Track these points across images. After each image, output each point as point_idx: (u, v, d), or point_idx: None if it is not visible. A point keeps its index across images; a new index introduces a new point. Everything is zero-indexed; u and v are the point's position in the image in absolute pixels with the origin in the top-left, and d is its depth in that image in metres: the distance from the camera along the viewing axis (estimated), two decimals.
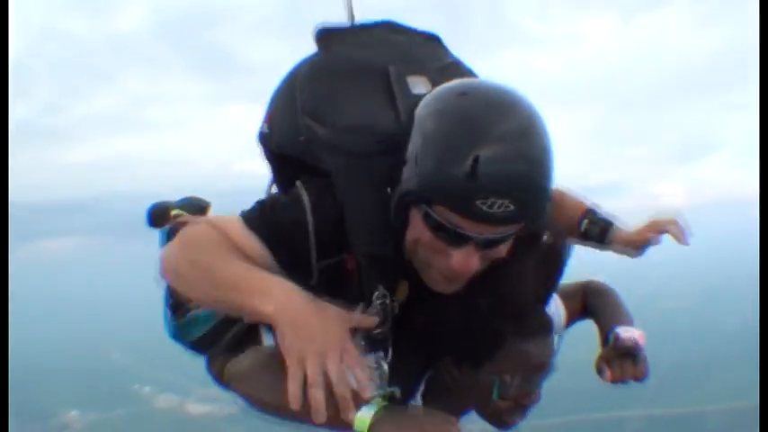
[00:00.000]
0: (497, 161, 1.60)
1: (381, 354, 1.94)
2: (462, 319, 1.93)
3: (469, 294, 1.86)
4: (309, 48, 2.14)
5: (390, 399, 1.88)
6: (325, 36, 2.10)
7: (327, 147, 1.90)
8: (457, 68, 2.10)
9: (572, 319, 2.59)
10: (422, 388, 2.15)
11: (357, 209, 1.84)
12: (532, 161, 1.65)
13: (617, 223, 2.39)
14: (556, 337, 2.22)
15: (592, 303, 2.50)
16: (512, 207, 1.61)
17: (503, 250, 1.78)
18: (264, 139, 2.21)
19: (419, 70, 2.00)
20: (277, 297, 1.71)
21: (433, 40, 2.22)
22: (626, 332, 2.23)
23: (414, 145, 1.71)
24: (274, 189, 2.34)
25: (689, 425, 53.35)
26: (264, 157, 2.27)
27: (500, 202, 1.60)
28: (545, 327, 2.07)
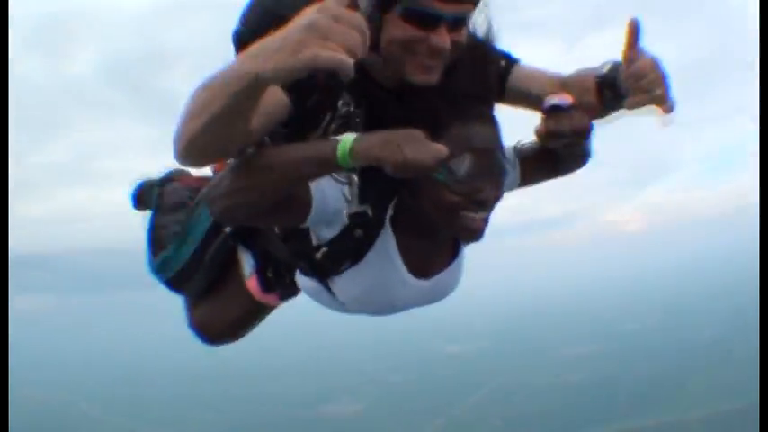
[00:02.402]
0: None
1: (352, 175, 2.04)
2: (408, 113, 1.99)
3: (418, 91, 2.01)
4: None
5: (362, 216, 2.04)
6: None
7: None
8: None
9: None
10: (390, 212, 2.15)
11: None
12: None
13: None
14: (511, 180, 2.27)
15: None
16: None
17: (463, 35, 2.00)
18: (237, 36, 2.20)
19: None
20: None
21: None
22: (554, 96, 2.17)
23: None
24: None
25: None
26: (237, 53, 2.22)
27: None
28: (488, 116, 2.08)
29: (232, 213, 1.96)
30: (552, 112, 2.11)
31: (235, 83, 1.60)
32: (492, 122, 2.06)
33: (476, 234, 2.03)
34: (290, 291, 2.62)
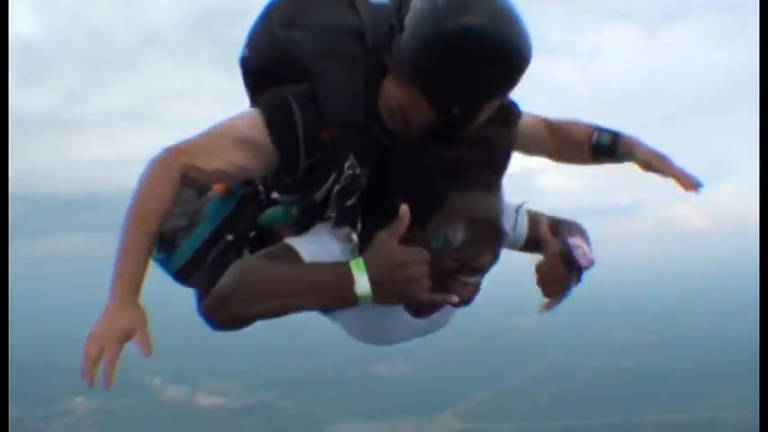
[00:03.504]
0: (497, 35, 1.76)
1: (350, 228, 2.06)
2: (409, 176, 1.96)
3: (423, 154, 1.94)
4: None
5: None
6: None
7: (303, 44, 2.04)
8: None
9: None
10: None
11: (335, 88, 1.97)
12: (519, 34, 1.82)
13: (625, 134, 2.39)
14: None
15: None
16: (508, 82, 1.83)
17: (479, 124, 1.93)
18: (245, 62, 2.27)
19: None
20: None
21: None
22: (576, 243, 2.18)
23: (410, 30, 1.82)
24: None
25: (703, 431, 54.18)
26: (244, 81, 2.32)
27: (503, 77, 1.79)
28: (487, 184, 1.95)
29: (231, 322, 1.93)
30: (573, 266, 2.15)
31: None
32: (493, 190, 1.97)
33: (465, 301, 1.99)
34: None
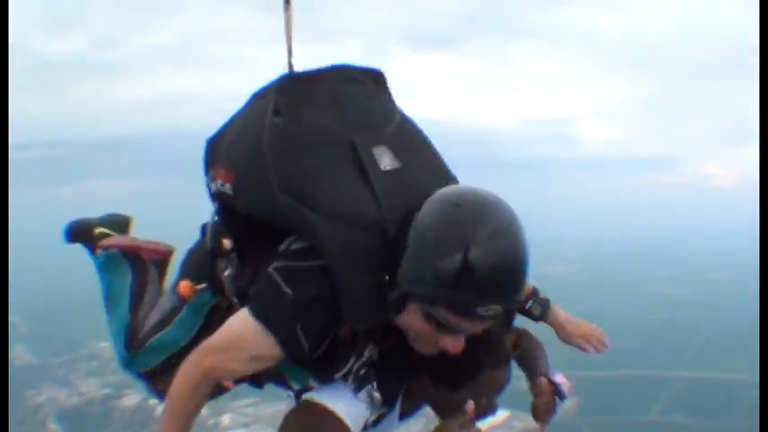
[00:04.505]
0: (493, 269, 1.85)
1: (370, 387, 2.25)
2: (410, 381, 2.35)
3: None
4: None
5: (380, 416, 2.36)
6: (284, 94, 2.17)
7: (319, 233, 1.97)
8: (405, 129, 2.29)
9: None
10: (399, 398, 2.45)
11: (352, 291, 1.97)
12: (522, 269, 1.93)
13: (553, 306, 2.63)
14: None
15: (525, 346, 2.59)
16: (500, 309, 1.91)
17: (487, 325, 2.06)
18: (223, 199, 2.25)
19: (380, 139, 2.14)
20: None
21: (380, 85, 2.34)
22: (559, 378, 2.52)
23: (414, 250, 1.89)
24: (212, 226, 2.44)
25: (728, 390, 55.01)
26: (221, 215, 2.34)
27: (494, 307, 1.89)
28: (509, 356, 2.39)
29: None
30: (554, 392, 2.49)
31: None
32: (511, 358, 2.40)
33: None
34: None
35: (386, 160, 2.11)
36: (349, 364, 2.18)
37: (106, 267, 2.91)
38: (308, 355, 2.04)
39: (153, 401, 46.68)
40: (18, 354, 60.86)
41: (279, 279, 2.03)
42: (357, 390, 2.23)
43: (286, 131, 2.12)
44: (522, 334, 2.59)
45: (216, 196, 2.28)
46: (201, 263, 2.50)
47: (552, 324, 2.62)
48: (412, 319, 1.98)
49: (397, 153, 2.14)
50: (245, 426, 47.90)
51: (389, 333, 2.12)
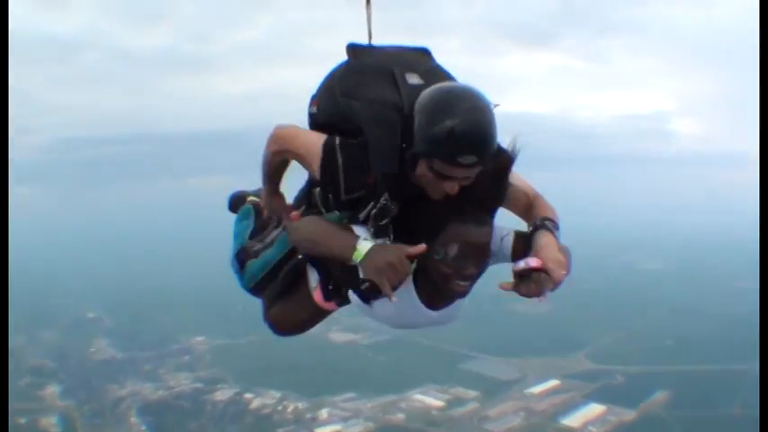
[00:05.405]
0: (468, 132, 2.45)
1: (386, 239, 2.79)
2: (422, 217, 2.76)
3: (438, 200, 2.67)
4: None
5: None
6: (352, 50, 3.01)
7: (360, 112, 2.75)
8: (437, 70, 2.97)
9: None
10: (413, 265, 2.77)
11: (379, 147, 2.68)
12: (489, 132, 2.52)
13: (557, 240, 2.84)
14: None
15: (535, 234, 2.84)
16: (475, 158, 2.50)
17: (471, 179, 2.61)
18: (313, 117, 3.07)
19: (413, 70, 2.85)
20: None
21: (424, 53, 3.08)
22: (523, 261, 2.69)
23: (419, 122, 2.55)
24: None
25: None
26: (312, 129, 3.05)
27: (470, 156, 2.49)
28: (481, 217, 2.70)
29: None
30: (524, 276, 2.67)
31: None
32: (482, 223, 2.70)
33: (459, 295, 2.82)
34: (346, 300, 3.11)
35: (414, 79, 2.81)
36: (368, 208, 2.80)
37: (243, 215, 3.91)
38: (343, 191, 2.78)
39: (247, 395, 52.44)
40: (101, 347, 64.02)
41: (336, 142, 2.79)
42: (375, 236, 2.81)
43: (348, 65, 2.98)
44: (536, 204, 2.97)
45: (310, 118, 3.11)
46: (302, 196, 3.33)
47: (535, 240, 2.82)
48: (422, 171, 2.62)
49: (424, 78, 2.83)
50: (344, 420, 49.18)
51: (404, 194, 2.75)
